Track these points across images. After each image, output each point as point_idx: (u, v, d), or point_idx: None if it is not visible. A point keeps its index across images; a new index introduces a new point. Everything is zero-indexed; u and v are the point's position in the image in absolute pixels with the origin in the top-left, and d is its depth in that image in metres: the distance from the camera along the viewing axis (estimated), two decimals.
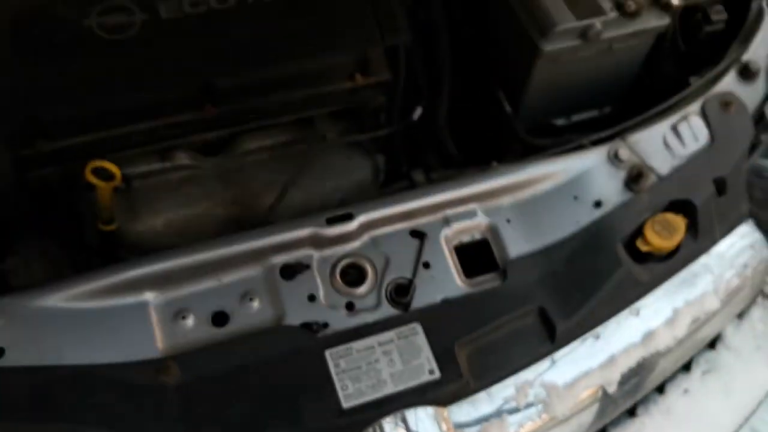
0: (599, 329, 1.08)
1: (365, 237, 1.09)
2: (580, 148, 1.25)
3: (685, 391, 1.22)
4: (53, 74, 1.12)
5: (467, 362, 1.02)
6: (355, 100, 1.33)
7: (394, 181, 1.43)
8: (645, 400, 1.21)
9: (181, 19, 1.20)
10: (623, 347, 1.09)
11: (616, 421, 1.20)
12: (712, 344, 1.27)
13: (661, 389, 1.23)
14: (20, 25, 1.15)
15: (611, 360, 1.08)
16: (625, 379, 1.09)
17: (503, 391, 1.03)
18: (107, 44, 1.16)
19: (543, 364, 1.05)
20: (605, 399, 1.09)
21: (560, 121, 1.50)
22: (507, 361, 1.04)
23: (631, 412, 1.23)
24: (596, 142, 1.26)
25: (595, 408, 1.09)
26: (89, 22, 1.17)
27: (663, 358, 1.13)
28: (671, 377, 1.23)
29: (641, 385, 1.15)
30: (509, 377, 1.03)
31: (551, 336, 1.06)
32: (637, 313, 1.12)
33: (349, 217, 1.07)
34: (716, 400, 1.22)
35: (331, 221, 1.07)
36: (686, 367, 1.26)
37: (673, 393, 1.22)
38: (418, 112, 1.40)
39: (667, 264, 1.15)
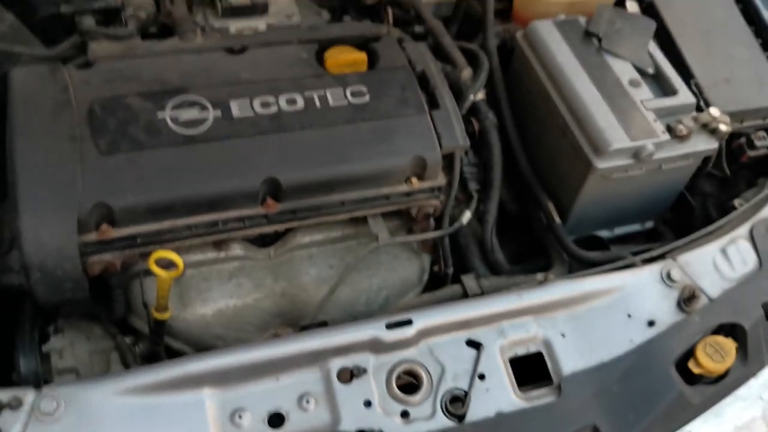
0: None
1: (422, 344, 1.09)
2: (632, 265, 1.27)
3: None
4: (126, 164, 1.15)
5: None
6: (410, 202, 1.36)
7: (438, 283, 1.44)
8: None
9: (251, 118, 1.24)
10: None
11: None
12: None
13: None
14: (97, 114, 1.19)
15: None
16: None
17: None
18: (180, 138, 1.20)
19: None
20: None
21: (604, 233, 1.52)
22: None
23: None
24: (646, 260, 1.28)
25: None
26: (163, 114, 1.21)
27: None
28: None
29: None
30: None
31: None
32: None
33: (408, 323, 1.08)
34: None
35: (391, 326, 1.08)
36: None
37: None
38: (467, 217, 1.42)
39: (718, 387, 1.15)
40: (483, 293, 1.29)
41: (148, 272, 1.12)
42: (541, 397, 1.09)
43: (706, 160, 1.48)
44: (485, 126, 1.48)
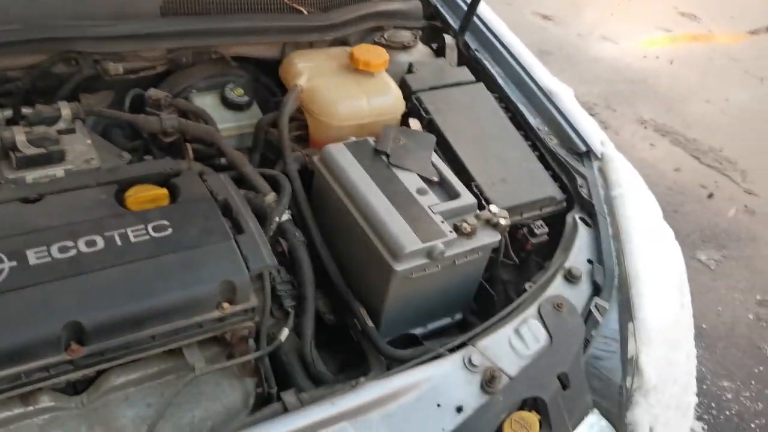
0: None
1: None
2: (438, 356, 1.36)
3: None
4: None
5: None
6: (224, 327, 1.38)
7: (265, 405, 1.44)
8: None
9: (49, 264, 1.23)
10: None
11: None
12: None
13: None
14: None
15: None
16: None
17: None
18: None
19: None
20: None
21: (418, 330, 1.61)
22: None
23: None
24: (453, 350, 1.37)
25: None
26: None
27: None
28: None
29: None
30: None
31: None
32: None
33: None
34: None
35: None
36: None
37: None
38: (285, 334, 1.46)
39: None
40: (302, 406, 1.31)
41: None
42: None
43: (496, 251, 1.64)
44: (293, 244, 1.55)
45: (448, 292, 1.57)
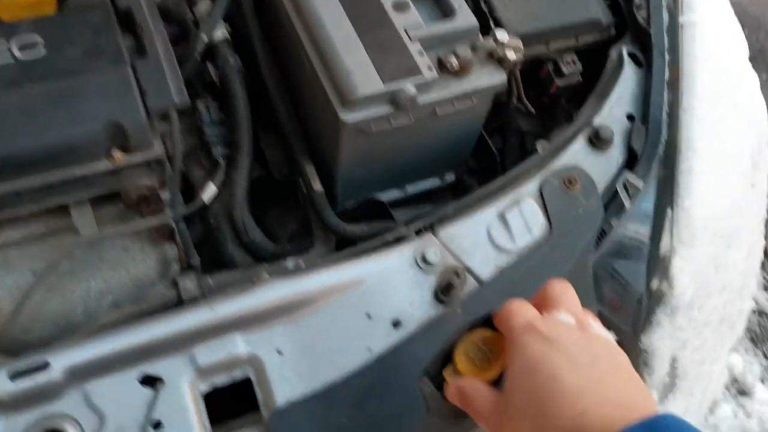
0: None
1: (74, 390, 0.81)
2: (402, 239, 1.01)
3: None
4: None
5: None
6: (120, 182, 1.06)
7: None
8: None
9: None
10: None
11: None
12: None
13: None
14: None
15: None
16: None
17: None
18: None
19: None
20: None
21: (394, 194, 1.25)
22: None
23: None
24: (420, 231, 1.02)
25: None
26: None
27: None
28: None
29: None
30: None
31: None
32: None
33: (44, 367, 0.80)
34: None
35: (17, 375, 0.79)
36: None
37: None
38: (210, 192, 1.13)
39: None
40: (205, 296, 1.00)
41: None
42: None
43: (508, 94, 1.21)
44: (226, 73, 1.17)
45: (431, 149, 1.17)
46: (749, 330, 2.37)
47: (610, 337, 0.79)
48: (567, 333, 0.74)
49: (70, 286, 1.10)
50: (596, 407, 0.67)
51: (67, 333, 1.05)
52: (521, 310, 0.78)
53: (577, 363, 0.71)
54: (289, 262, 1.08)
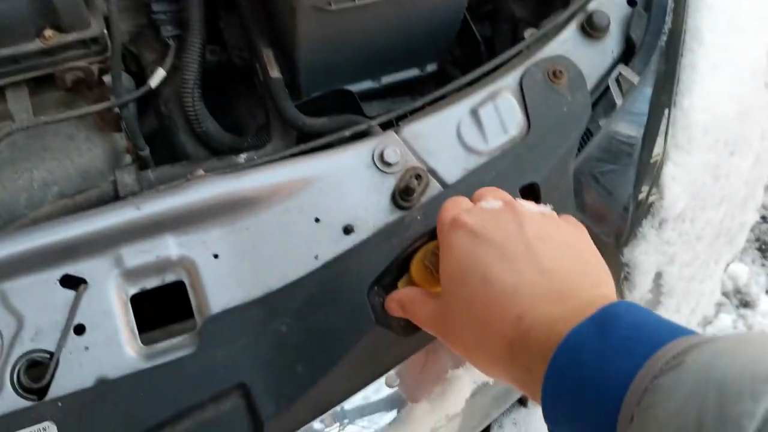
0: (322, 422, 0.77)
1: None
2: (363, 135, 0.91)
3: None
4: None
5: None
6: (55, 64, 0.96)
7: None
8: None
9: None
10: None
11: None
12: (523, 401, 0.97)
13: None
14: None
15: None
16: None
17: None
18: None
19: None
20: None
21: (367, 84, 1.13)
22: None
23: None
24: (387, 126, 0.91)
25: None
26: None
27: None
28: None
29: None
30: None
31: (256, 431, 0.75)
32: (396, 383, 0.81)
33: None
34: None
35: None
36: None
37: None
38: (158, 76, 1.03)
39: None
40: (142, 190, 0.92)
41: None
42: (173, 349, 0.76)
43: None
44: None
45: (405, 36, 1.05)
46: (758, 239, 2.28)
47: (547, 210, 0.69)
48: (493, 219, 0.64)
49: (10, 175, 1.02)
50: (535, 306, 0.58)
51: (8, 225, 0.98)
52: (452, 205, 0.69)
53: (508, 254, 0.61)
54: (242, 156, 0.98)
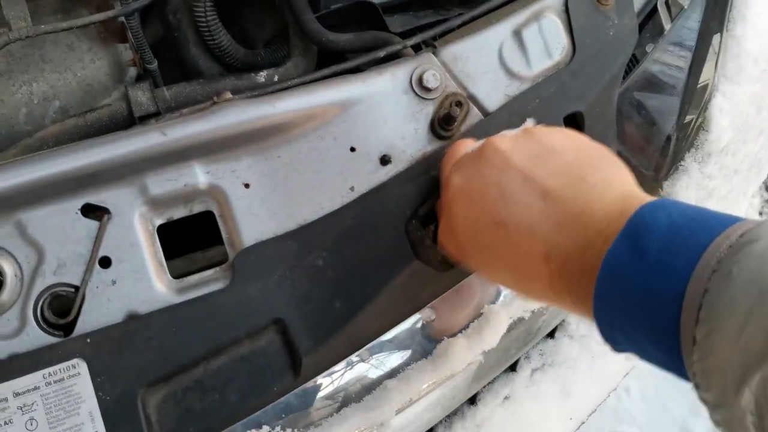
0: (361, 356, 0.75)
1: (7, 220, 0.69)
2: (394, 57, 0.85)
3: (506, 398, 0.92)
4: None
5: (159, 418, 0.69)
6: None
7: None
8: (449, 421, 0.91)
9: None
10: (401, 376, 0.77)
11: None
12: (551, 333, 0.96)
13: (473, 400, 0.92)
14: None
15: (384, 393, 0.76)
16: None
17: None
18: None
19: (279, 411, 0.73)
20: None
21: None
22: (223, 410, 0.71)
23: None
24: (418, 48, 0.85)
25: None
26: None
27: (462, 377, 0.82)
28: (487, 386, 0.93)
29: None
30: None
31: (295, 367, 0.73)
32: (434, 319, 0.79)
33: None
34: (548, 404, 0.93)
35: None
36: (512, 368, 0.95)
37: (489, 403, 0.92)
38: None
39: None
40: (160, 112, 0.86)
41: None
42: (205, 283, 0.73)
43: None
44: None
45: None
46: None
47: (528, 125, 0.66)
48: (478, 164, 0.62)
49: (7, 88, 0.95)
50: (556, 241, 0.55)
51: (8, 142, 0.92)
52: (458, 148, 0.67)
53: (506, 193, 0.58)
54: (261, 75, 0.92)
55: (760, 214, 2.03)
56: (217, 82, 0.90)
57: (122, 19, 0.93)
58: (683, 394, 1.81)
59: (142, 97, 0.86)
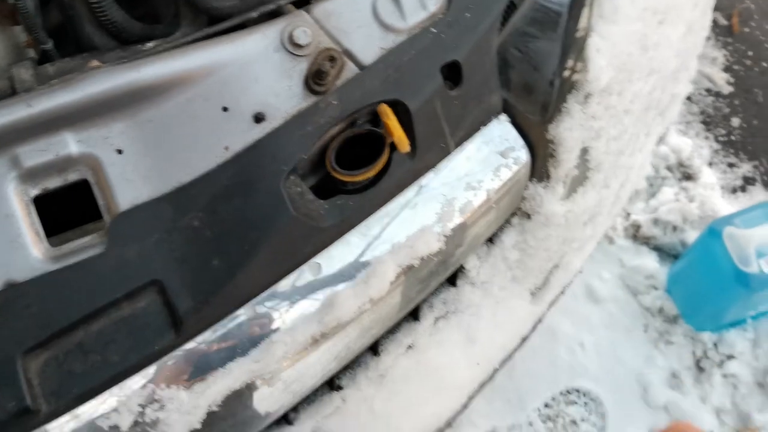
0: (243, 313, 0.76)
1: None
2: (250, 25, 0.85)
3: (410, 347, 0.94)
4: None
5: (41, 381, 0.70)
6: None
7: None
8: (352, 372, 0.93)
9: None
10: (286, 329, 0.78)
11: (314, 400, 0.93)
12: (452, 281, 0.98)
13: (375, 351, 0.94)
14: None
15: (269, 345, 0.78)
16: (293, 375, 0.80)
17: (98, 413, 0.72)
18: None
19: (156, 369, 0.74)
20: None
21: None
22: (105, 371, 0.73)
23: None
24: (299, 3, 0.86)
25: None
26: None
27: (354, 327, 0.83)
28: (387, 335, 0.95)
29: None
30: (106, 392, 0.73)
31: (176, 325, 0.74)
32: (318, 271, 0.80)
33: None
34: (453, 351, 0.95)
35: None
36: (415, 317, 0.97)
37: (392, 353, 0.93)
38: None
39: (366, 197, 0.82)
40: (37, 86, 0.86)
41: None
42: (82, 249, 0.74)
43: None
44: None
45: None
46: (702, 112, 2.28)
47: None
48: None
49: None
50: None
51: None
52: None
53: None
54: (149, 45, 0.92)
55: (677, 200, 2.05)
56: (102, 54, 0.90)
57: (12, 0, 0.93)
58: (637, 346, 1.83)
59: (24, 74, 0.86)
